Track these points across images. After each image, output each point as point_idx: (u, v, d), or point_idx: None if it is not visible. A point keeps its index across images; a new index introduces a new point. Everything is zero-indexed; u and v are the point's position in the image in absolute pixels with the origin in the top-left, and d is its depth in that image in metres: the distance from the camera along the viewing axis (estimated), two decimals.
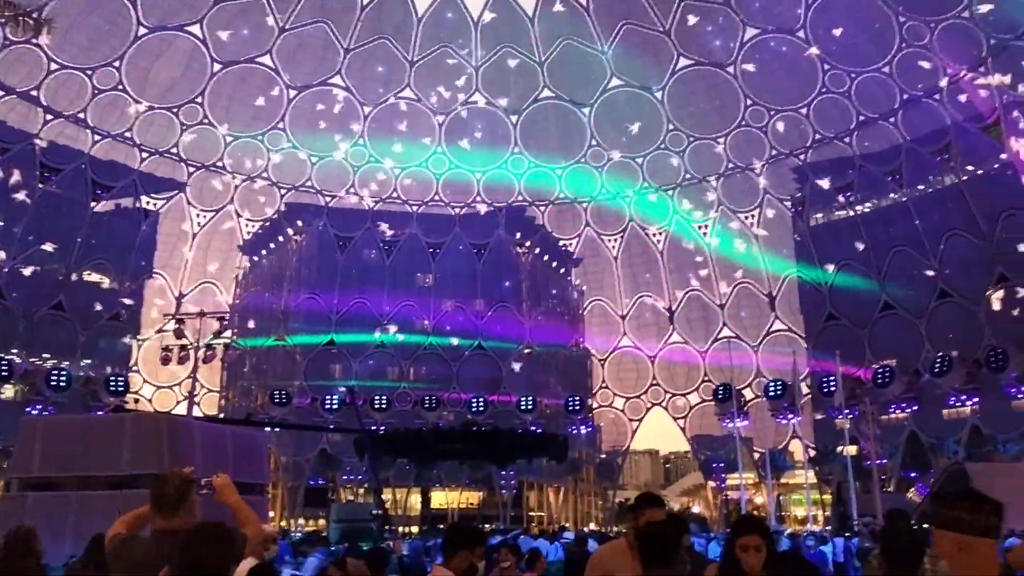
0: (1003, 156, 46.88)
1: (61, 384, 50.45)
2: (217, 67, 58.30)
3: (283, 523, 54.65)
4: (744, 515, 5.31)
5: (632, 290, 67.20)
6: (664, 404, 65.56)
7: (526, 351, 64.60)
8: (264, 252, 65.57)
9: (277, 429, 54.20)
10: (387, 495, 59.81)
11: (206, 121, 59.59)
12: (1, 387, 49.90)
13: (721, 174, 61.55)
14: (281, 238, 64.92)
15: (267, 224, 64.88)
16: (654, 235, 65.66)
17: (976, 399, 49.26)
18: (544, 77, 61.84)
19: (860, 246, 54.45)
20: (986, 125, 47.25)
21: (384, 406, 58.82)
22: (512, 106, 63.25)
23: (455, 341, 62.73)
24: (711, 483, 67.43)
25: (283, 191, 64.15)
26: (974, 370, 48.66)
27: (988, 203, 47.92)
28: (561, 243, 68.14)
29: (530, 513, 63.14)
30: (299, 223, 64.66)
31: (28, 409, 46.93)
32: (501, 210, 65.98)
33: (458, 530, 4.57)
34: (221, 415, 56.24)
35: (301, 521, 58.10)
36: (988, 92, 46.10)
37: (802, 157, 58.20)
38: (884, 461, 49.68)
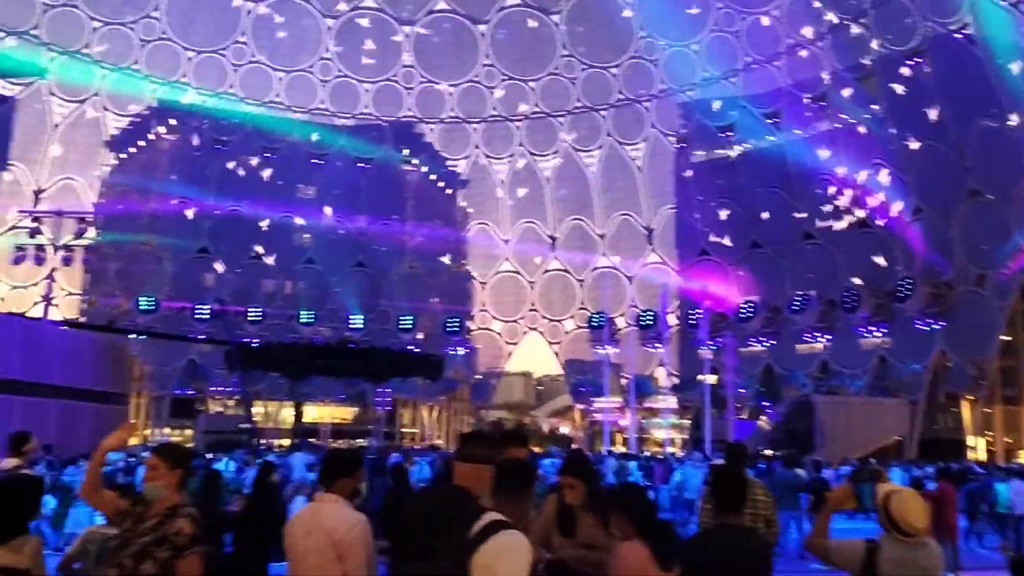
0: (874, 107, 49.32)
1: None
2: None
3: (147, 433, 53.20)
4: (568, 456, 5.55)
5: (517, 215, 67.51)
6: (540, 329, 66.98)
7: (408, 269, 64.23)
8: (133, 150, 61.46)
9: (142, 337, 51.98)
10: (259, 408, 59.05)
11: (71, 3, 54.68)
12: None
13: (611, 105, 61.93)
14: (152, 136, 60.95)
15: (137, 120, 60.73)
16: (542, 162, 65.79)
17: (829, 336, 52.86)
18: None
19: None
20: (862, 76, 49.41)
21: (258, 319, 57.45)
22: (405, 16, 60.96)
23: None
24: (579, 406, 70.01)
25: (155, 86, 60.07)
26: (829, 309, 52.05)
27: (858, 153, 50.55)
28: (449, 163, 67.33)
29: (403, 430, 63.86)
30: (172, 122, 60.82)
31: None
32: (389, 124, 64.27)
33: (335, 458, 4.50)
34: (83, 319, 53.36)
35: (167, 431, 56.59)
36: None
37: (689, 94, 59.23)
38: (741, 391, 52.85)
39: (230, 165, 61.54)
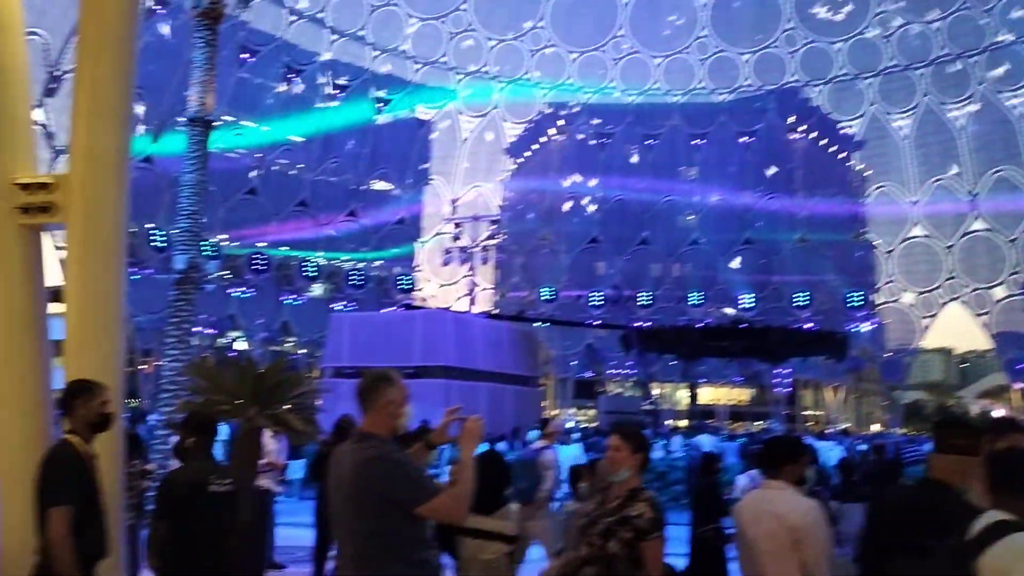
0: None
1: (358, 282, 56.31)
2: None
3: (555, 412, 57.57)
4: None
5: (925, 174, 60.27)
6: (962, 298, 59.10)
7: (800, 243, 60.91)
8: (528, 153, 67.05)
9: (546, 324, 56.30)
10: (654, 390, 60.60)
11: (471, 28, 61.28)
12: (310, 286, 56.63)
13: None
14: (543, 138, 65.86)
15: (530, 125, 66.06)
16: (954, 110, 57.84)
17: None
18: None
19: None
20: None
21: (647, 302, 58.91)
22: None
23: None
24: (1017, 385, 60.42)
25: (544, 91, 64.74)
26: None
27: None
28: (840, 125, 62.41)
29: (805, 412, 60.91)
30: (560, 122, 65.04)
31: (332, 305, 52.96)
32: (771, 93, 61.52)
33: (779, 444, 4.58)
34: (496, 311, 59.57)
35: (572, 411, 60.73)
36: None
37: None
38: None
39: (615, 156, 63.97)
